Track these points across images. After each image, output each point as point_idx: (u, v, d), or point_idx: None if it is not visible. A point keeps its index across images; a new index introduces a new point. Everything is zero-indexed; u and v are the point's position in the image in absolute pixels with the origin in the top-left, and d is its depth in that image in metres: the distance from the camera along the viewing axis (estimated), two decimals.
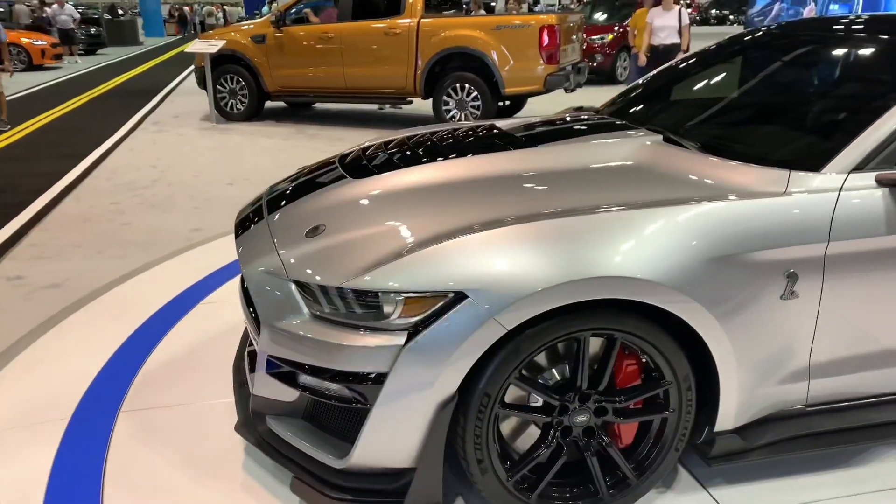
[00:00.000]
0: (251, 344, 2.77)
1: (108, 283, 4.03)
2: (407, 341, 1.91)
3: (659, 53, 8.95)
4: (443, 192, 2.33)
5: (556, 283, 1.88)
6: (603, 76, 14.14)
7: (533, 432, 2.19)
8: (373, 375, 1.96)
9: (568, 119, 3.05)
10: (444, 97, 8.75)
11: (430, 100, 8.94)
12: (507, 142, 2.70)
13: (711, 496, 2.27)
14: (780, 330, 2.11)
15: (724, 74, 3.19)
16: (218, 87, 9.77)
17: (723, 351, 2.05)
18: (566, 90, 8.96)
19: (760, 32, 3.26)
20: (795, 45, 2.93)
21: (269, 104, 10.12)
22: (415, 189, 2.37)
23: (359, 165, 2.68)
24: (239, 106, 9.81)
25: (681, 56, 7.92)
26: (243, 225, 2.56)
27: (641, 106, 3.20)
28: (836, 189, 2.12)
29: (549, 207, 2.09)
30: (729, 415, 2.16)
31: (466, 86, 8.63)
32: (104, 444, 2.55)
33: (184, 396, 2.86)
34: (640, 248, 1.96)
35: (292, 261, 2.16)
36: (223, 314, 3.62)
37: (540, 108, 9.97)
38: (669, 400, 2.11)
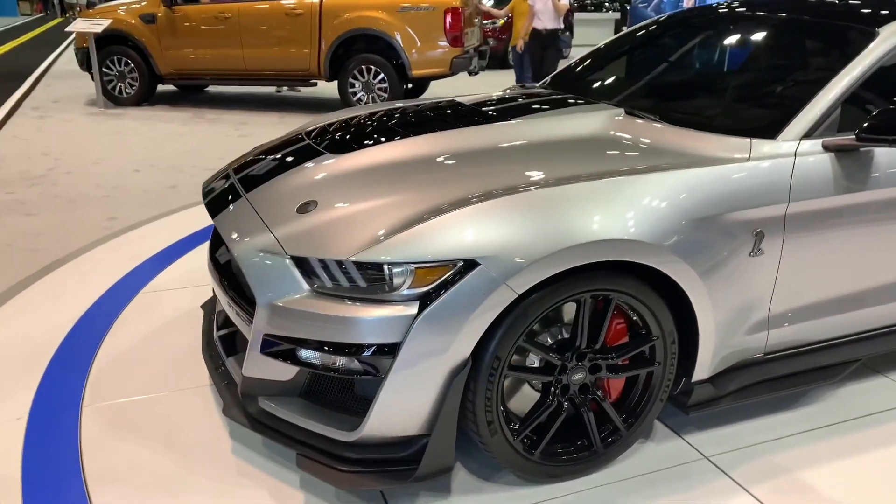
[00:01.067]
0: (223, 327, 2.71)
1: (26, 279, 3.75)
2: (420, 310, 1.94)
3: (542, 38, 8.46)
4: (433, 164, 2.37)
5: (564, 246, 1.97)
6: (495, 61, 14.41)
7: (527, 393, 2.29)
8: (385, 346, 1.98)
9: (526, 95, 3.14)
10: (350, 79, 8.66)
11: (335, 82, 8.82)
12: (480, 116, 2.76)
13: (687, 442, 2.46)
14: (748, 285, 2.30)
15: (659, 53, 3.40)
16: (104, 69, 9.17)
17: (703, 306, 2.22)
18: (470, 73, 9.11)
19: (686, 14, 3.48)
20: (722, 23, 3.15)
21: (160, 88, 9.62)
22: (403, 163, 2.39)
23: (335, 141, 2.65)
24: (128, 90, 9.26)
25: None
26: (217, 203, 2.49)
27: (586, 83, 3.35)
28: (792, 154, 2.34)
29: (543, 176, 2.18)
30: (704, 365, 2.34)
31: (373, 68, 8.58)
32: (75, 444, 2.42)
33: (147, 388, 2.75)
34: (635, 212, 2.09)
35: (288, 238, 2.13)
36: (169, 302, 3.48)
37: (443, 91, 10.07)
38: (656, 354, 2.26)
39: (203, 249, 4.21)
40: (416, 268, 1.97)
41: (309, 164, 2.47)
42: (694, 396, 2.38)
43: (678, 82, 3.05)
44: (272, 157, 2.67)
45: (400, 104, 3.24)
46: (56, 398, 2.66)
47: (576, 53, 17.04)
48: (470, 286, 1.94)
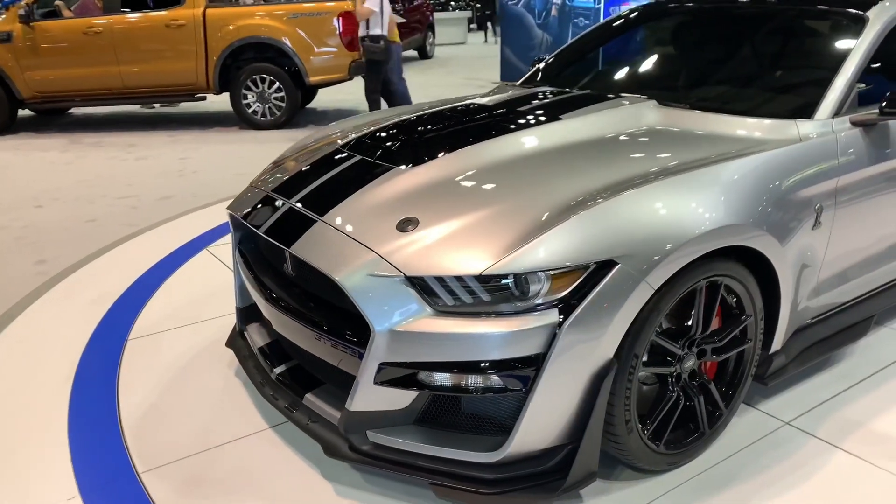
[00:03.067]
0: (279, 363, 2.51)
1: None
2: (563, 317, 1.91)
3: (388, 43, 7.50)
4: (516, 169, 2.32)
5: (691, 237, 2.02)
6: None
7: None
8: (529, 358, 1.93)
9: (536, 94, 3.13)
10: (244, 91, 8.25)
11: (226, 95, 8.38)
12: (524, 117, 2.73)
13: (763, 412, 2.58)
14: (811, 256, 2.46)
15: (660, 42, 3.53)
16: None
17: (785, 281, 2.34)
18: None
19: (679, 3, 3.61)
20: (719, 13, 3.33)
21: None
22: (486, 169, 2.32)
23: (395, 152, 2.52)
24: None
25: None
26: (281, 231, 2.29)
27: (585, 76, 3.43)
28: (832, 132, 2.52)
29: (640, 171, 2.20)
30: (780, 337, 2.48)
31: (267, 77, 8.23)
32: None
33: (202, 441, 2.48)
34: (737, 197, 2.18)
35: (400, 258, 2.01)
36: (169, 344, 3.16)
37: (327, 97, 9.88)
38: (748, 332, 2.35)
39: (177, 282, 3.86)
40: (553, 274, 1.93)
41: (382, 180, 2.33)
42: (772, 367, 2.50)
43: (692, 71, 3.17)
44: (324, 175, 2.48)
45: (419, 110, 3.13)
46: (103, 472, 2.34)
47: (439, 53, 17.31)
48: (612, 287, 1.93)
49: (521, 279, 1.93)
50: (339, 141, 2.79)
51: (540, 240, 1.94)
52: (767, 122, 2.54)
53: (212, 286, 3.80)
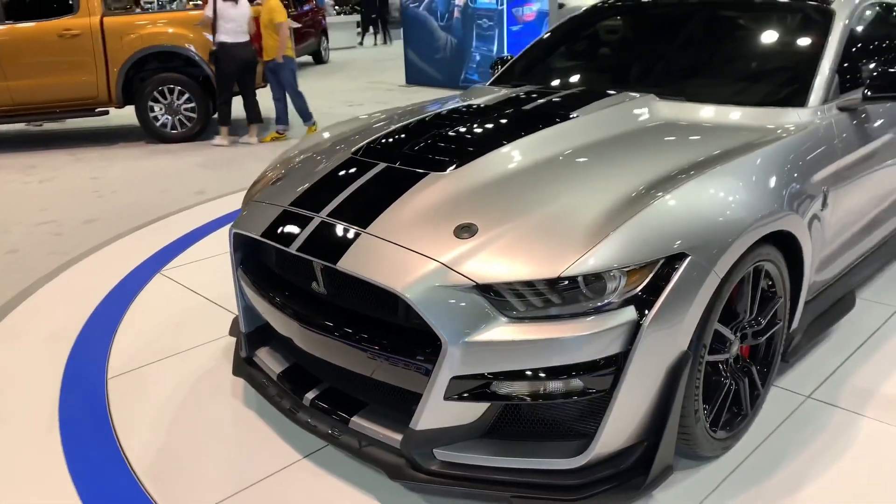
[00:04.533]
0: (309, 388, 2.36)
1: None
2: (643, 313, 1.89)
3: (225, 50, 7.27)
4: (560, 165, 2.31)
5: (748, 225, 2.06)
6: None
7: None
8: (612, 358, 1.90)
9: (539, 94, 3.09)
10: (150, 103, 7.77)
11: (129, 108, 7.86)
12: (538, 115, 2.70)
13: (782, 388, 2.68)
14: (820, 237, 2.58)
15: (637, 37, 3.58)
16: None
17: (808, 263, 2.45)
18: None
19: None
20: (692, 6, 3.43)
21: None
22: (528, 169, 2.28)
23: (424, 157, 2.41)
24: None
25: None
26: (321, 247, 2.14)
27: (559, 74, 3.45)
28: (827, 118, 2.66)
29: (682, 164, 2.22)
30: (798, 315, 2.58)
31: (175, 88, 7.78)
32: None
33: (237, 480, 2.29)
34: (775, 183, 2.25)
35: (468, 266, 1.93)
36: (157, 380, 2.90)
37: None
38: (778, 313, 2.43)
39: (139, 311, 3.56)
40: (629, 271, 1.91)
41: (421, 186, 2.22)
42: (792, 344, 2.61)
43: (676, 64, 3.24)
44: (350, 186, 2.33)
45: (411, 115, 3.03)
46: None
47: (334, 57, 17.03)
48: (685, 279, 1.94)
49: (598, 278, 1.90)
50: (346, 149, 2.65)
51: (612, 237, 1.92)
52: (772, 110, 2.64)
53: (178, 312, 3.53)
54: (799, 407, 2.58)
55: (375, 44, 21.87)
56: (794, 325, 2.59)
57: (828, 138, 2.60)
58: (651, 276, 1.93)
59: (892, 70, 2.74)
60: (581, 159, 2.35)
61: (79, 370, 3.01)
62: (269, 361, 2.59)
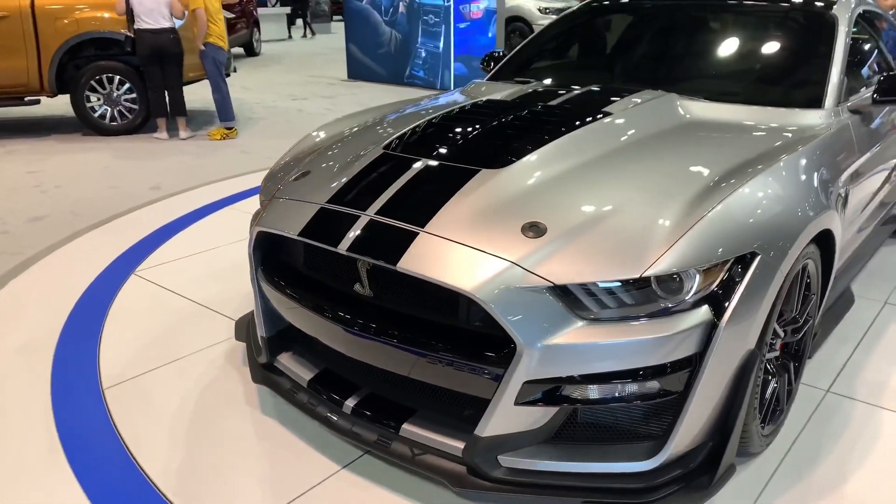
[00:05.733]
0: (345, 395, 2.24)
1: None
2: (717, 313, 1.88)
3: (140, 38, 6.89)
4: (612, 163, 2.27)
5: (806, 223, 2.09)
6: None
7: None
8: (689, 358, 1.88)
9: (552, 91, 3.04)
10: (87, 92, 7.30)
11: (63, 97, 7.38)
12: (567, 115, 2.65)
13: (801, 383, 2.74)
14: (841, 233, 2.65)
15: (646, 36, 3.58)
16: None
17: (837, 260, 2.51)
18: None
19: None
20: (696, 8, 3.46)
21: None
22: (586, 165, 2.23)
23: (466, 154, 2.32)
24: None
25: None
26: (376, 248, 2.03)
27: (565, 71, 3.42)
28: (844, 119, 2.73)
29: (737, 164, 2.22)
30: (823, 310, 2.65)
31: (115, 77, 7.34)
32: None
33: (278, 495, 2.15)
34: (817, 182, 2.29)
35: (544, 266, 1.86)
36: (159, 392, 2.70)
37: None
38: (811, 309, 2.48)
39: (121, 316, 3.31)
40: (704, 270, 1.89)
41: (476, 184, 2.13)
42: (815, 339, 2.67)
43: (684, 63, 3.25)
44: (395, 183, 2.21)
45: (434, 108, 2.93)
46: None
47: (266, 50, 16.56)
48: (756, 277, 1.94)
49: (675, 278, 1.87)
50: (370, 144, 2.54)
51: (688, 236, 1.90)
52: (794, 111, 2.69)
53: (165, 317, 3.31)
54: (822, 402, 2.64)
55: (305, 36, 21.47)
56: (817, 320, 2.65)
57: (847, 138, 2.68)
58: (723, 275, 1.92)
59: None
60: (632, 157, 2.31)
61: (68, 383, 2.76)
62: (295, 367, 2.45)
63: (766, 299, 1.97)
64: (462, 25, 10.45)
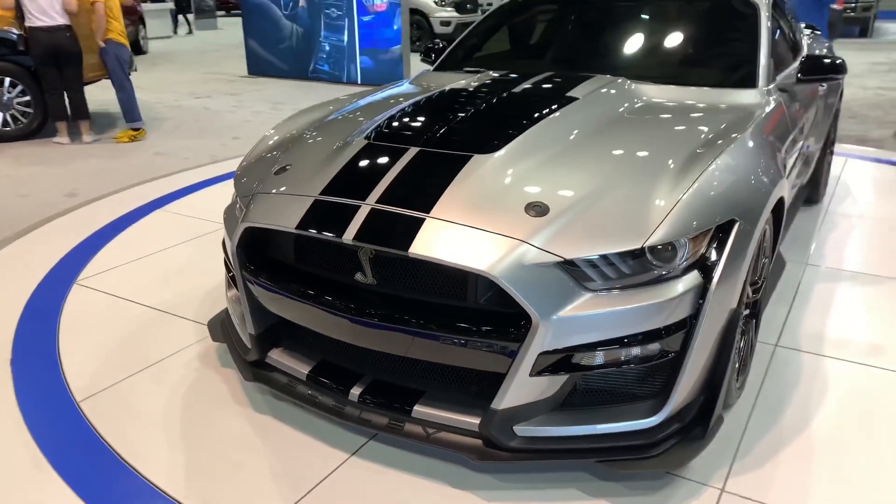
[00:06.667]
0: (349, 384, 2.28)
1: None
2: (706, 277, 2.05)
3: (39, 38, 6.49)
4: (595, 143, 2.41)
5: (773, 190, 2.30)
6: None
7: None
8: (686, 320, 2.04)
9: (510, 78, 3.15)
10: None
11: None
12: (535, 100, 2.77)
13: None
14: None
15: (583, 22, 3.74)
16: None
17: (783, 224, 2.77)
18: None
19: None
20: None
21: None
22: (570, 147, 2.35)
23: (452, 140, 2.39)
24: None
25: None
26: (384, 235, 2.07)
27: (536, 59, 3.56)
28: (776, 95, 3.00)
29: (706, 139, 2.41)
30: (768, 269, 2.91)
31: (6, 79, 6.86)
32: None
33: (296, 486, 2.15)
34: (772, 153, 2.53)
35: (552, 243, 1.97)
36: (139, 399, 2.61)
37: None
38: (765, 270, 2.72)
39: (74, 326, 3.15)
40: (691, 238, 2.06)
41: (471, 168, 2.20)
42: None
43: (631, 50, 3.43)
44: (390, 172, 2.24)
45: (400, 97, 2.97)
46: None
47: (152, 47, 15.83)
48: (737, 243, 2.13)
49: (670, 247, 2.02)
50: (345, 136, 2.57)
51: (678, 207, 2.05)
52: (734, 91, 2.92)
53: (123, 325, 3.19)
54: (774, 354, 2.90)
55: (190, 32, 20.72)
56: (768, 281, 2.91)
57: (781, 113, 2.94)
58: (707, 242, 2.09)
59: (816, 55, 3.15)
60: (609, 138, 2.45)
61: (37, 399, 2.62)
62: (290, 361, 2.45)
63: (745, 262, 2.16)
64: (366, 18, 10.41)
